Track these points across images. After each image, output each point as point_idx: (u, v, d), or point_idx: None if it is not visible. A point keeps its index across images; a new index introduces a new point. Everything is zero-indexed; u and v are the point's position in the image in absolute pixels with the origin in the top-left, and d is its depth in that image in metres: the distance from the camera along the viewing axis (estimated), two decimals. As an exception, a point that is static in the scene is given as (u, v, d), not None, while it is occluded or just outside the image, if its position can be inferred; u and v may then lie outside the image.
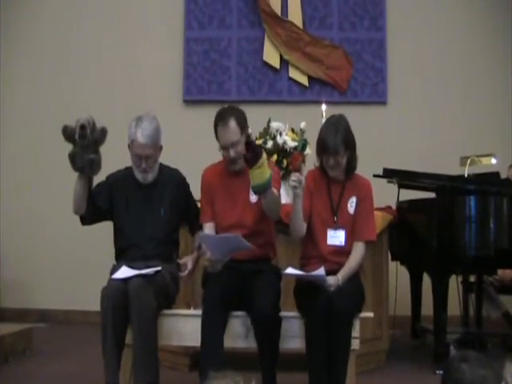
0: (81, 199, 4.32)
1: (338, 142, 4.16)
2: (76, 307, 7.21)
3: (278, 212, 4.30)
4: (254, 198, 4.33)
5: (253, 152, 4.02)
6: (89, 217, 4.44)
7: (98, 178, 4.43)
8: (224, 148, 4.34)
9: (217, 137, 4.37)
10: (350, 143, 4.25)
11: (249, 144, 4.10)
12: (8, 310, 7.34)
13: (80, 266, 7.42)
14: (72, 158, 4.21)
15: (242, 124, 4.35)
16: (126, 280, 4.15)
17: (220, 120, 4.34)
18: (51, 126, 7.39)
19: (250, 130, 4.57)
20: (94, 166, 4.23)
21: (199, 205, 4.60)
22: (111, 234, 4.52)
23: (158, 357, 4.13)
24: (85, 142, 4.17)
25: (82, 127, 4.16)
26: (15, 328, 5.87)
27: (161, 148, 4.47)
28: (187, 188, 4.61)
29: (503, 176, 6.05)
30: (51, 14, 7.89)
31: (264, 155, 4.05)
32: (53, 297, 7.46)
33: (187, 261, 4.42)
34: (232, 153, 4.30)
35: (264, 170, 4.03)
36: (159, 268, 4.22)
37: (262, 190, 4.10)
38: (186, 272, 4.39)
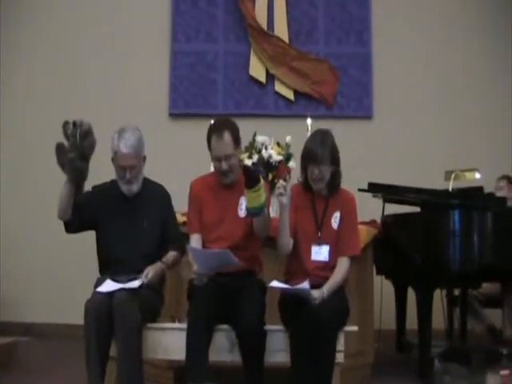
0: (65, 204, 4.32)
1: (324, 151, 4.20)
2: (61, 321, 7.17)
3: (267, 232, 4.31)
4: (242, 212, 4.33)
5: (250, 176, 4.03)
6: (73, 225, 4.44)
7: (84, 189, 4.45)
8: (217, 160, 4.34)
9: (210, 148, 4.37)
10: (335, 157, 4.28)
11: (246, 169, 4.11)
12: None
13: (65, 279, 7.38)
14: (58, 150, 4.23)
15: (236, 137, 4.37)
16: (110, 293, 4.14)
17: (215, 131, 4.34)
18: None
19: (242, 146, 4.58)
20: (78, 173, 4.25)
21: (185, 218, 4.61)
22: (95, 247, 4.51)
23: (143, 370, 4.12)
24: (72, 141, 4.19)
25: (74, 124, 4.20)
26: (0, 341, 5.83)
27: (144, 158, 4.48)
28: (170, 206, 4.62)
29: (487, 190, 6.07)
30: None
31: (261, 180, 4.06)
32: (37, 310, 7.41)
33: (149, 271, 4.31)
34: (224, 165, 4.30)
35: (261, 194, 4.03)
36: (142, 281, 4.21)
37: (256, 213, 4.11)
38: (140, 281, 4.26)
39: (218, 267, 4.17)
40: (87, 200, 4.45)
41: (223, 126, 4.36)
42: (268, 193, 4.40)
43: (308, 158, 4.26)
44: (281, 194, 4.06)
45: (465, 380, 2.49)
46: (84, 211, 4.41)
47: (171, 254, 4.50)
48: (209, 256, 4.18)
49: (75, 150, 4.20)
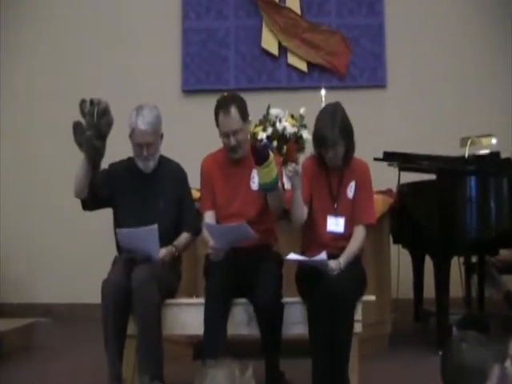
0: (82, 182, 4.33)
1: (335, 134, 4.13)
2: (80, 301, 7.20)
3: (282, 207, 4.30)
4: (255, 185, 4.33)
5: (258, 154, 4.03)
6: (90, 202, 4.45)
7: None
8: (225, 135, 4.33)
9: (217, 124, 4.37)
10: (347, 133, 4.22)
11: (253, 147, 4.11)
12: (11, 305, 7.33)
13: (83, 259, 7.42)
14: (74, 128, 4.24)
15: (244, 112, 4.36)
16: (127, 272, 4.16)
17: (221, 107, 4.34)
18: (49, 116, 7.50)
19: (250, 118, 4.57)
20: (95, 152, 4.24)
21: (199, 194, 4.61)
22: (112, 226, 4.53)
23: (163, 348, 4.14)
24: (89, 119, 4.19)
25: (91, 103, 4.20)
26: (18, 323, 5.88)
27: (161, 136, 4.48)
28: (186, 185, 4.61)
29: (504, 156, 6.03)
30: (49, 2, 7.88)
31: (271, 155, 4.05)
32: (56, 291, 7.46)
33: (162, 251, 4.32)
34: (233, 141, 4.30)
35: (271, 169, 4.03)
36: (155, 226, 4.19)
37: (270, 189, 4.11)
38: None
39: (234, 242, 4.18)
40: (104, 178, 4.45)
41: (229, 101, 4.35)
42: (280, 166, 4.40)
43: (319, 141, 4.22)
44: (292, 178, 4.06)
45: (483, 347, 2.47)
46: (101, 189, 4.43)
47: (184, 237, 4.48)
48: (225, 231, 4.20)
49: (92, 128, 4.20)
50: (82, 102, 4.25)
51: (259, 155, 4.01)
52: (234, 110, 4.30)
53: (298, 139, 5.64)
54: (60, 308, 7.38)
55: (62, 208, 7.20)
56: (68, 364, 5.33)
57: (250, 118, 4.51)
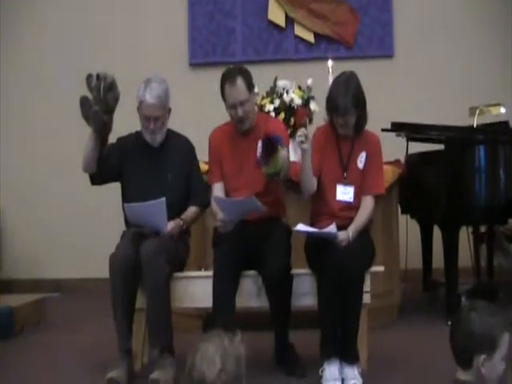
0: (90, 157, 4.34)
1: (348, 102, 4.12)
2: (89, 275, 7.25)
3: (287, 175, 4.30)
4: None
5: (266, 152, 4.05)
6: (98, 177, 4.47)
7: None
8: (232, 107, 4.32)
9: (223, 96, 4.36)
10: (360, 102, 4.20)
11: (263, 139, 4.11)
12: (21, 281, 7.37)
13: (92, 233, 7.47)
14: (82, 103, 4.25)
15: (250, 83, 4.35)
16: (135, 245, 4.17)
17: (227, 79, 4.33)
18: (56, 91, 7.48)
19: (257, 90, 4.55)
20: (103, 126, 4.25)
21: (207, 167, 4.61)
22: (121, 200, 4.54)
23: (172, 320, 4.16)
24: (96, 94, 4.19)
25: (98, 77, 4.20)
26: (29, 298, 5.91)
27: (169, 110, 4.48)
28: (194, 158, 4.60)
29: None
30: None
31: (278, 150, 4.03)
32: (66, 266, 7.51)
33: (170, 224, 4.31)
34: (240, 112, 4.29)
35: (276, 160, 4.01)
36: (163, 199, 4.20)
37: (274, 177, 4.12)
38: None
39: (242, 214, 4.19)
40: (112, 152, 4.46)
41: (235, 72, 4.34)
42: (285, 134, 4.41)
43: (332, 108, 4.21)
44: (302, 142, 4.04)
45: (492, 316, 2.48)
46: (109, 163, 4.44)
47: (191, 211, 4.48)
48: (234, 204, 4.20)
49: (99, 103, 4.21)
50: (89, 76, 4.24)
51: (266, 151, 4.04)
52: (239, 81, 4.29)
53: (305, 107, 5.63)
54: (70, 283, 7.41)
55: (71, 184, 7.21)
56: (78, 337, 5.36)
57: (256, 90, 4.50)
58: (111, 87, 4.22)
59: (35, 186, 7.65)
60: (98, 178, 4.48)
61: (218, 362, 2.23)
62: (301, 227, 4.14)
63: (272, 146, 4.02)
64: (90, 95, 4.24)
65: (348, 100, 4.12)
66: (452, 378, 2.54)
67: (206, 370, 2.23)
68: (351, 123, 4.22)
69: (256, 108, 4.75)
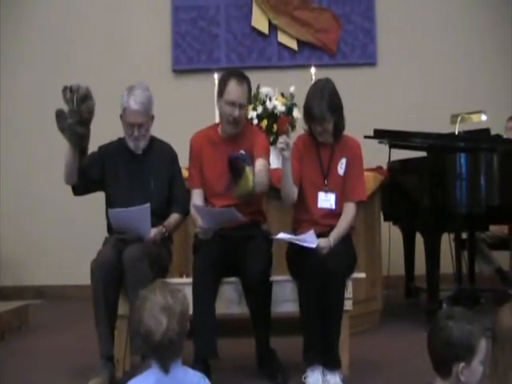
0: (70, 169, 4.34)
1: (323, 109, 4.13)
2: (72, 282, 7.23)
3: (263, 188, 4.31)
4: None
5: (234, 167, 4.12)
6: (81, 187, 4.47)
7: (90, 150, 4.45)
8: (231, 104, 4.31)
9: (223, 90, 4.34)
10: (336, 108, 4.22)
11: (228, 159, 4.17)
12: (4, 287, 7.33)
13: (74, 240, 7.45)
14: (57, 115, 4.24)
15: (250, 94, 4.44)
16: (118, 251, 4.16)
17: (235, 77, 4.34)
18: (42, 99, 7.45)
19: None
20: (78, 138, 4.24)
21: (187, 173, 4.61)
22: (104, 208, 4.53)
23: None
24: (70, 106, 4.19)
25: (71, 90, 4.19)
26: (11, 305, 5.89)
27: (153, 118, 4.48)
28: (177, 165, 4.60)
29: (494, 132, 6.05)
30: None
31: (245, 168, 4.09)
32: (48, 273, 7.49)
33: (152, 230, 4.31)
34: (237, 112, 4.30)
35: (247, 179, 4.08)
36: (148, 205, 4.20)
37: (247, 196, 4.17)
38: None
39: (222, 223, 4.19)
40: (93, 161, 4.46)
41: (244, 76, 4.38)
42: (266, 143, 4.46)
43: (308, 116, 4.23)
44: (282, 149, 4.04)
45: (469, 324, 2.48)
46: (90, 173, 4.44)
47: (173, 218, 4.49)
48: (213, 214, 4.22)
49: (74, 115, 4.19)
50: (64, 88, 4.23)
51: (236, 168, 4.10)
52: (246, 86, 4.34)
53: (288, 115, 5.65)
54: (52, 290, 7.39)
55: (53, 191, 7.17)
56: (60, 343, 5.34)
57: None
58: (85, 99, 4.20)
59: (17, 195, 7.61)
60: (80, 189, 4.48)
61: (164, 320, 2.38)
62: (281, 235, 4.14)
63: (237, 166, 4.05)
64: (66, 108, 4.24)
65: (323, 107, 4.13)
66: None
67: (153, 327, 2.38)
68: (329, 130, 4.24)
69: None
